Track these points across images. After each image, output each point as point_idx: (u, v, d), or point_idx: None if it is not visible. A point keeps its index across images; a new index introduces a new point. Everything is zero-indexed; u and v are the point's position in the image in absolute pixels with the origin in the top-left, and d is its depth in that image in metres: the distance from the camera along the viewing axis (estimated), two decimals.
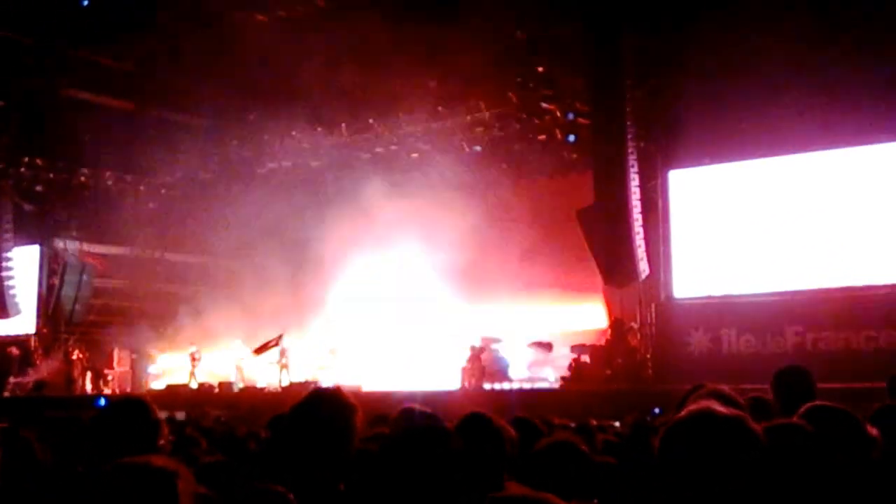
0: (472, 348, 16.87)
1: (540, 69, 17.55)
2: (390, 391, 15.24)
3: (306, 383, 16.68)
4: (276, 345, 18.69)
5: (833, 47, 13.73)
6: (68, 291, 21.31)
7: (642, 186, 15.23)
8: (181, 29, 17.34)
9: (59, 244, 22.38)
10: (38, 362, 21.04)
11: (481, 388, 16.06)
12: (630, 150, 14.94)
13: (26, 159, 21.13)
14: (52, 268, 22.05)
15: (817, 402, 3.11)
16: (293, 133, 20.67)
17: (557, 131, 18.23)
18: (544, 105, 17.92)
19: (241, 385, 19.36)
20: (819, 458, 2.54)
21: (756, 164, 15.48)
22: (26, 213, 21.75)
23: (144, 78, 19.43)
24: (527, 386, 16.32)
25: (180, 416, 12.41)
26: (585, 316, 18.22)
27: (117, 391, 20.14)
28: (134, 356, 21.56)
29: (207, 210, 22.25)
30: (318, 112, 19.46)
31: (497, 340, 17.60)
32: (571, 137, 18.07)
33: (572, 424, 6.07)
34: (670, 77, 15.78)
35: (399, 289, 19.25)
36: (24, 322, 21.48)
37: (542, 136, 18.52)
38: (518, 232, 18.23)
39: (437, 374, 17.17)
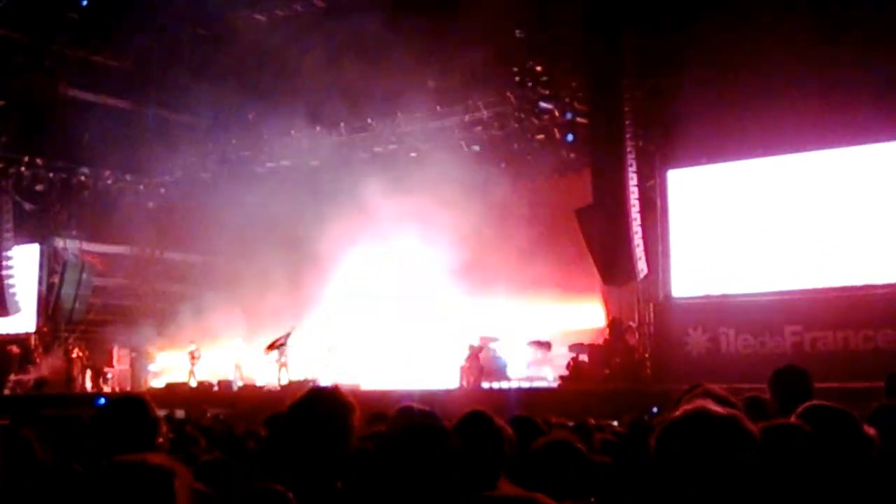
0: (471, 347, 16.87)
1: (539, 68, 17.55)
2: (389, 390, 15.26)
3: (305, 381, 16.68)
4: (284, 343, 18.65)
5: (832, 47, 13.73)
6: (68, 290, 21.31)
7: (641, 186, 15.24)
8: (180, 28, 17.34)
9: (59, 243, 22.39)
10: (38, 360, 21.05)
11: (480, 387, 16.05)
12: (629, 150, 14.94)
13: (26, 158, 21.13)
14: (51, 266, 22.06)
15: (815, 402, 3.11)
16: (292, 132, 20.68)
17: (556, 131, 18.23)
18: (543, 104, 17.92)
19: (240, 383, 19.37)
20: (816, 457, 2.54)
21: (755, 163, 15.48)
22: (26, 211, 21.76)
23: (144, 77, 19.45)
24: (525, 385, 16.32)
25: (180, 414, 12.42)
26: (584, 315, 18.22)
27: (117, 389, 20.15)
28: (133, 355, 21.58)
29: (207, 209, 22.24)
30: (318, 111, 19.46)
31: (495, 339, 17.59)
32: (570, 137, 18.07)
33: (570, 423, 6.07)
34: (669, 77, 15.78)
35: (398, 287, 19.25)
36: (24, 320, 21.50)
37: (541, 136, 18.52)
38: (516, 231, 18.22)
39: (436, 373, 17.17)
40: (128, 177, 22.88)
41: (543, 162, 19.02)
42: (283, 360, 18.65)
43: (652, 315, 15.90)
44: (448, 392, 15.11)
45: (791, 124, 14.20)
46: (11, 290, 20.54)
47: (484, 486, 2.34)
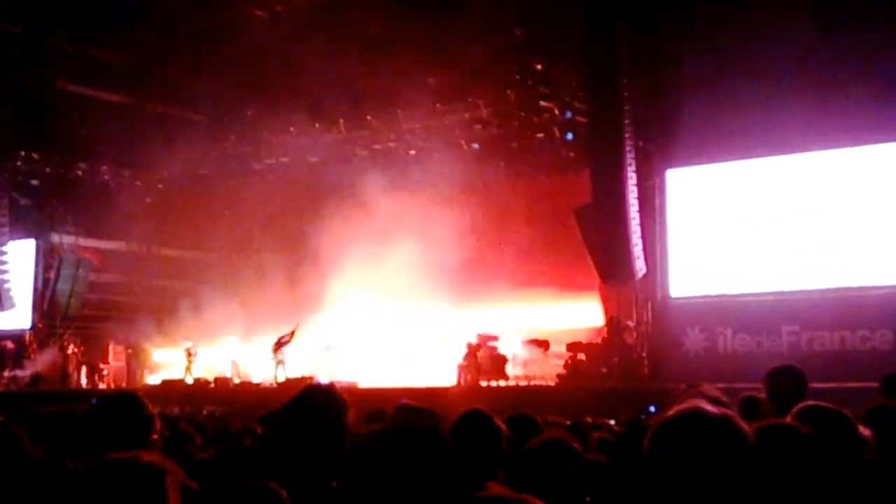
0: (469, 345, 16.87)
1: (538, 67, 17.54)
2: (387, 387, 15.27)
3: (302, 379, 16.67)
4: (290, 340, 18.62)
5: (831, 47, 13.73)
6: (64, 286, 21.28)
7: (640, 185, 15.23)
8: (179, 23, 17.30)
9: (55, 238, 22.36)
10: (33, 357, 21.03)
11: (477, 385, 16.06)
12: (628, 149, 14.94)
13: (23, 153, 21.10)
14: (47, 262, 22.03)
15: (810, 402, 3.11)
16: (291, 129, 20.66)
17: (555, 129, 18.22)
18: (542, 103, 17.91)
19: (236, 380, 19.35)
20: (810, 458, 2.54)
21: (753, 163, 15.48)
22: (22, 206, 21.72)
23: (142, 72, 19.38)
24: (523, 383, 16.33)
25: (175, 411, 12.40)
26: (582, 314, 18.22)
27: (112, 386, 20.14)
28: (129, 351, 21.56)
29: (204, 205, 22.22)
30: (317, 108, 19.44)
31: (494, 338, 17.59)
32: (569, 136, 18.07)
33: (567, 422, 6.06)
34: (668, 76, 15.77)
35: (396, 285, 19.25)
36: (19, 316, 21.45)
37: (541, 134, 18.52)
38: (515, 230, 18.24)
39: (434, 371, 17.17)
40: (125, 172, 22.85)
41: (543, 160, 19.02)
42: (280, 357, 18.64)
43: (650, 314, 15.92)
44: (446, 390, 15.11)
45: (789, 124, 14.20)
46: (6, 286, 20.49)
47: (473, 487, 2.33)
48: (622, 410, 8.41)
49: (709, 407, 1.96)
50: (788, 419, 2.85)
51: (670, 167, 16.11)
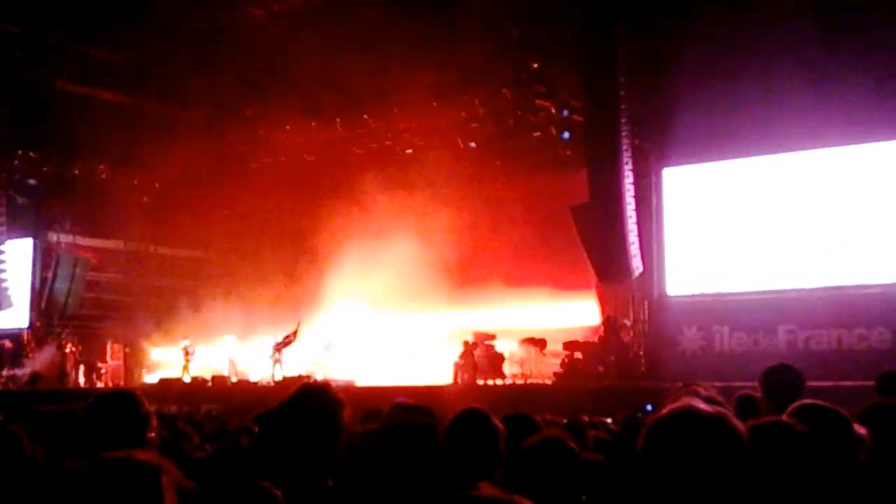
0: (465, 344, 16.88)
1: (535, 66, 17.54)
2: (383, 386, 15.28)
3: (300, 378, 16.66)
4: (294, 339, 18.60)
5: (828, 46, 13.75)
6: (61, 285, 21.26)
7: (636, 184, 15.23)
8: (177, 22, 17.29)
9: (53, 237, 22.32)
10: (31, 356, 21.00)
11: (474, 383, 16.07)
12: (624, 148, 14.95)
13: (20, 152, 21.06)
14: (45, 261, 21.98)
15: (806, 401, 3.12)
16: (288, 128, 20.65)
17: (552, 128, 18.23)
18: (539, 102, 17.92)
19: (234, 379, 19.35)
20: (806, 456, 2.55)
21: (750, 162, 15.49)
22: (20, 205, 21.67)
23: (139, 71, 19.37)
24: (519, 382, 16.34)
25: (173, 410, 12.40)
26: (578, 313, 18.23)
27: (110, 385, 20.13)
28: (127, 350, 21.54)
29: (202, 204, 22.21)
30: (313, 107, 19.44)
31: (490, 336, 17.60)
32: (566, 134, 18.07)
33: (564, 421, 6.07)
34: (665, 75, 15.77)
35: (393, 284, 19.25)
36: (17, 315, 21.42)
37: (537, 133, 18.52)
38: (512, 228, 18.23)
39: (430, 370, 17.18)
40: (123, 171, 22.82)
41: (539, 159, 19.03)
42: (277, 356, 18.64)
43: (646, 313, 15.93)
44: (443, 388, 15.11)
45: (786, 123, 14.22)
46: (4, 285, 20.47)
47: (466, 487, 2.34)
48: (619, 409, 8.42)
49: (702, 405, 1.96)
50: (784, 417, 2.86)
51: (667, 166, 16.12)
